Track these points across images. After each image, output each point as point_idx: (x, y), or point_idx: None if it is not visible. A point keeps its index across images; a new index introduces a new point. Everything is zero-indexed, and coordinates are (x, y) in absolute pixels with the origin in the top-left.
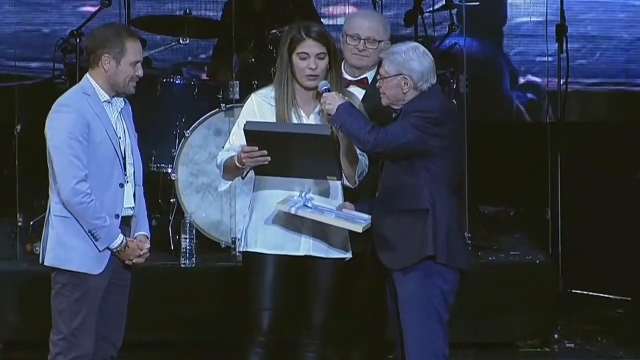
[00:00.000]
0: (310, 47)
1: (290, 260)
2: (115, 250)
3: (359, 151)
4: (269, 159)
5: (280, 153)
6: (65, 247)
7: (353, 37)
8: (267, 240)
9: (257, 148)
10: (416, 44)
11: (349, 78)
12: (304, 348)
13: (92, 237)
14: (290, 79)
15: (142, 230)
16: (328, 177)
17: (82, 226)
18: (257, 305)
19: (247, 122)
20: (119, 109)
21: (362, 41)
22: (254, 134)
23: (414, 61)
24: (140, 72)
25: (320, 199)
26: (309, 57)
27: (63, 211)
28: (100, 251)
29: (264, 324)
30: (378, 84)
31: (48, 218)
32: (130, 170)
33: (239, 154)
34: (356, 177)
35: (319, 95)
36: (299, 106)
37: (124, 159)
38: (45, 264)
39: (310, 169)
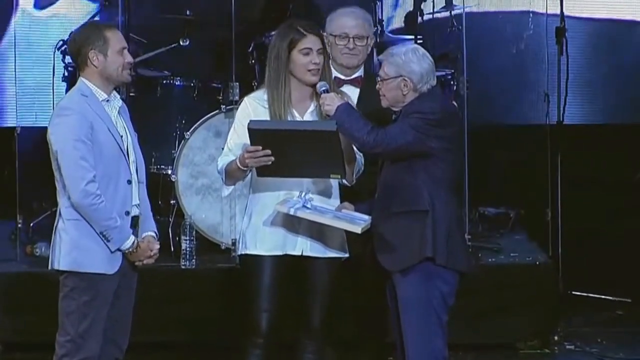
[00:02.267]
0: (313, 42)
1: (288, 260)
2: (126, 251)
3: (355, 150)
4: (273, 158)
5: (284, 152)
6: (81, 250)
7: (341, 36)
8: (264, 241)
9: (260, 147)
10: (415, 45)
11: (342, 77)
12: (302, 349)
13: (103, 238)
14: (288, 78)
15: (150, 230)
16: (331, 176)
17: (93, 228)
18: (255, 307)
19: (251, 120)
20: (117, 108)
21: (351, 39)
22: (259, 132)
23: (413, 63)
24: (129, 58)
25: (318, 199)
26: (311, 51)
27: (74, 214)
28: (111, 252)
29: (262, 325)
30: (378, 86)
31: (58, 222)
32: (133, 167)
33: (241, 155)
34: (354, 175)
35: (316, 95)
36: (293, 106)
37: (128, 156)
38: (61, 268)
39: (313, 167)
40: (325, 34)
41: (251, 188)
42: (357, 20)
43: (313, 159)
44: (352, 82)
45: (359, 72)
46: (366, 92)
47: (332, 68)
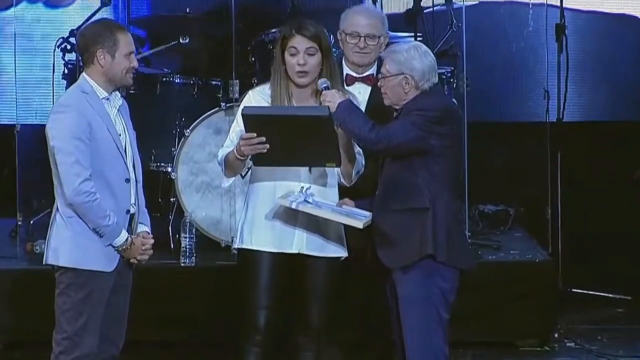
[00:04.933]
0: (299, 42)
1: (285, 257)
2: (120, 249)
3: (356, 149)
4: (267, 145)
5: (279, 139)
6: (81, 247)
7: (352, 34)
8: (261, 236)
9: (255, 134)
10: (417, 42)
11: (354, 75)
12: (302, 347)
13: (96, 234)
14: (283, 76)
15: (144, 226)
16: (327, 164)
17: (86, 224)
18: (253, 304)
19: (244, 107)
20: (117, 106)
21: (362, 38)
22: (252, 118)
23: (415, 60)
24: (135, 63)
25: (318, 195)
26: (298, 52)
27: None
28: (105, 246)
29: (260, 323)
30: (379, 83)
31: (55, 217)
32: (131, 166)
33: (238, 143)
34: (353, 175)
35: (318, 93)
36: (294, 104)
37: (125, 154)
38: (62, 265)
39: (309, 155)
40: (339, 30)
41: (249, 181)
42: (369, 20)
43: (308, 146)
44: (364, 80)
45: (371, 70)
46: (378, 90)
47: (344, 65)
